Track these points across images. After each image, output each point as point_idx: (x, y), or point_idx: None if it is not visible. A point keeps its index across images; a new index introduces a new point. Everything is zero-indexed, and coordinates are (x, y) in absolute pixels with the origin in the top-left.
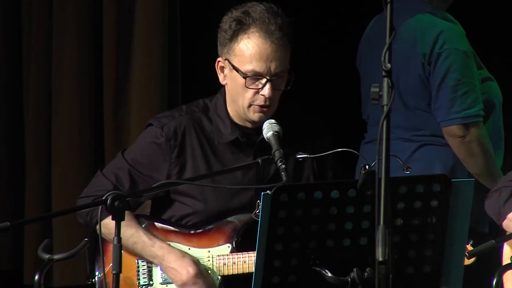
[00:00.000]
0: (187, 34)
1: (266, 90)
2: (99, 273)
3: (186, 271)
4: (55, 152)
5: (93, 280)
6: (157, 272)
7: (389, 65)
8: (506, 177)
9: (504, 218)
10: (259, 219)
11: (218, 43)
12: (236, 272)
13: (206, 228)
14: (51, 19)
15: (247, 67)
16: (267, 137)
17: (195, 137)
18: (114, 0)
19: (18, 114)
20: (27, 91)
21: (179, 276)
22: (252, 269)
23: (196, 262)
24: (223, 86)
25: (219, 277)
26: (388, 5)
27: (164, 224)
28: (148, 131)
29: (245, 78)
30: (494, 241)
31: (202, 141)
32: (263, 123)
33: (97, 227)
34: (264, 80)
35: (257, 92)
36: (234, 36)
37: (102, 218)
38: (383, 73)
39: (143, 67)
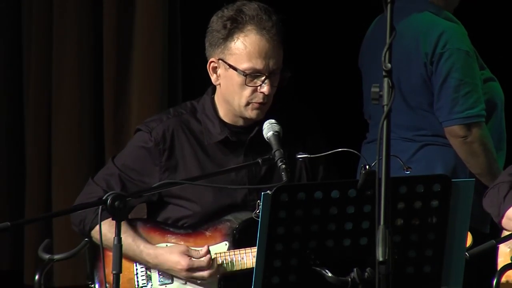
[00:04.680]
0: (187, 34)
1: (265, 87)
2: (97, 280)
3: (180, 267)
4: (55, 152)
5: (93, 286)
6: (155, 275)
7: (389, 65)
8: (503, 173)
9: (503, 214)
10: (259, 219)
11: (208, 44)
12: (235, 269)
13: (203, 227)
14: (51, 19)
15: (245, 65)
16: (267, 137)
17: (185, 139)
18: (114, 0)
19: (18, 114)
20: (27, 91)
21: (179, 274)
22: (250, 266)
23: (183, 250)
24: (210, 86)
25: (218, 275)
26: (389, 5)
27: (161, 226)
28: (137, 136)
29: (245, 76)
30: (494, 241)
31: (192, 143)
32: (255, 121)
33: (91, 233)
34: (263, 77)
35: (255, 90)
36: (229, 35)
37: (97, 223)
38: (384, 73)
39: (143, 67)
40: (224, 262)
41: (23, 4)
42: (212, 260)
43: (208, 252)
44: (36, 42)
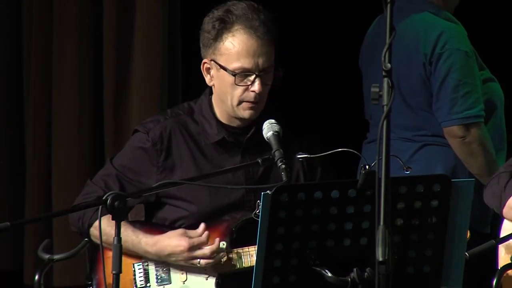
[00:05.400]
0: (187, 34)
1: (256, 86)
2: (95, 282)
3: (181, 248)
4: (55, 152)
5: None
6: (153, 274)
7: (389, 65)
8: (503, 165)
9: (505, 203)
10: (259, 219)
11: (202, 45)
12: (233, 268)
13: None
14: (51, 19)
15: (234, 65)
16: (267, 137)
17: (182, 139)
18: (114, 0)
19: (18, 114)
20: (27, 91)
21: (181, 257)
22: (248, 264)
23: (181, 233)
24: (207, 87)
25: (216, 275)
26: (388, 5)
27: (158, 228)
28: (134, 137)
29: (234, 76)
30: (494, 241)
31: (189, 143)
32: (252, 121)
33: (90, 230)
34: (253, 76)
35: (246, 89)
36: (218, 36)
37: (96, 219)
38: (383, 73)
39: (143, 67)
40: (223, 261)
41: (23, 4)
42: (211, 238)
43: (206, 229)
44: (36, 42)
